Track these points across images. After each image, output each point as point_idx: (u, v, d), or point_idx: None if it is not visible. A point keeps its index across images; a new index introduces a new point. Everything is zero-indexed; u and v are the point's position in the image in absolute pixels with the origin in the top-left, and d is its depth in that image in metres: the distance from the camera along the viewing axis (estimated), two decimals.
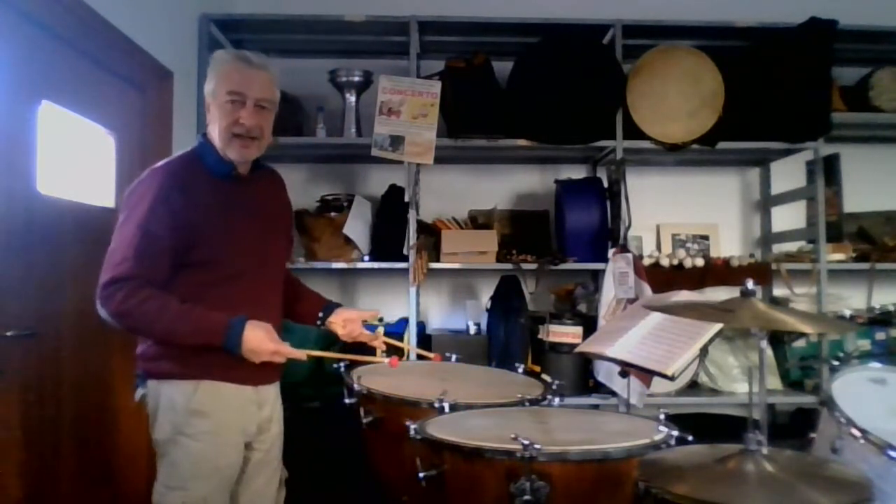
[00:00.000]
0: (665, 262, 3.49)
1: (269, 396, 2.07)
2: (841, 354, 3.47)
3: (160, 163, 1.94)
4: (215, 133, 1.93)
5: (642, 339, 2.34)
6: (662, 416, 1.69)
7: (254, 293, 1.94)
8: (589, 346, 2.45)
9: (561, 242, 3.65)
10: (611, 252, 3.36)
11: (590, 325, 3.33)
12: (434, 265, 3.46)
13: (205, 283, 1.86)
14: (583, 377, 3.39)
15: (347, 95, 3.59)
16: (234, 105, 1.90)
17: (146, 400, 1.89)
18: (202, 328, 1.80)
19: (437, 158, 3.34)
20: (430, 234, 3.59)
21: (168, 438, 1.84)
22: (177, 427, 1.83)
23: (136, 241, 1.79)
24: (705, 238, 3.99)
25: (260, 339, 1.82)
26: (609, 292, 3.28)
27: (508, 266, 3.48)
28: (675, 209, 3.99)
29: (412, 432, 1.67)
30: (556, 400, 2.10)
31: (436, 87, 3.36)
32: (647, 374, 2.67)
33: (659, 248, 3.95)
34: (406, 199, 3.40)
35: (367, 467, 2.21)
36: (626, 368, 2.34)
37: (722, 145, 3.45)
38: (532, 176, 4.02)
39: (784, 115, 3.41)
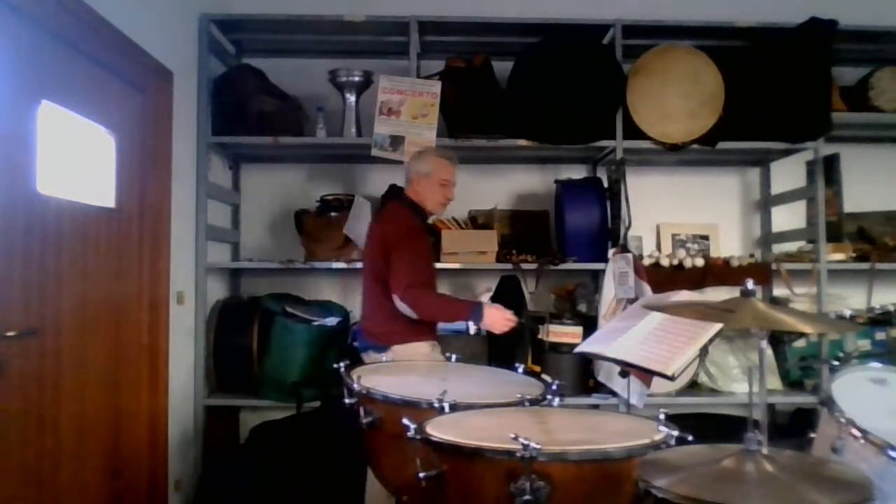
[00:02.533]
0: (665, 262, 3.49)
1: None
2: (841, 354, 3.47)
3: (400, 208, 2.95)
4: (424, 196, 2.89)
5: (642, 339, 2.34)
6: (662, 416, 1.68)
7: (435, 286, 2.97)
8: (589, 346, 2.45)
9: (561, 242, 3.65)
10: (611, 252, 3.36)
11: (590, 325, 3.33)
12: (434, 265, 3.45)
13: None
14: (583, 377, 3.39)
15: (347, 95, 3.59)
16: (444, 187, 2.90)
17: (393, 357, 2.73)
18: (461, 307, 2.78)
19: None
20: (431, 234, 3.58)
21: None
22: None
23: (420, 258, 2.82)
24: (705, 238, 3.99)
25: (493, 318, 2.68)
26: (609, 292, 3.28)
27: (508, 266, 3.48)
28: (675, 209, 3.99)
29: (412, 432, 1.67)
30: (556, 400, 2.10)
31: (436, 87, 3.36)
32: (647, 374, 2.68)
33: (659, 248, 3.95)
34: None
35: (368, 467, 2.21)
36: (626, 368, 2.35)
37: (722, 145, 3.45)
38: (532, 176, 4.02)
39: (784, 115, 3.41)
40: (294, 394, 3.31)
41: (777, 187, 3.94)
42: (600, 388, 3.33)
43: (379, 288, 2.83)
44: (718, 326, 2.21)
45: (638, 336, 2.39)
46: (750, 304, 1.51)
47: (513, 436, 1.48)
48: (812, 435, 1.95)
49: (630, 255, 3.23)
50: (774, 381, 3.55)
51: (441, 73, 3.45)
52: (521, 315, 3.37)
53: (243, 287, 3.89)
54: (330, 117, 3.62)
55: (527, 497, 1.45)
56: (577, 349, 2.51)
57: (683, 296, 2.48)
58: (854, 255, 3.63)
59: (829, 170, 3.61)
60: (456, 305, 2.87)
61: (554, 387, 2.16)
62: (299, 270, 3.70)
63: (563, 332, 3.40)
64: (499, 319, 2.69)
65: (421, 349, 2.82)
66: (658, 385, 2.87)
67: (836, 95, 3.58)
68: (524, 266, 3.47)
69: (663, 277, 3.35)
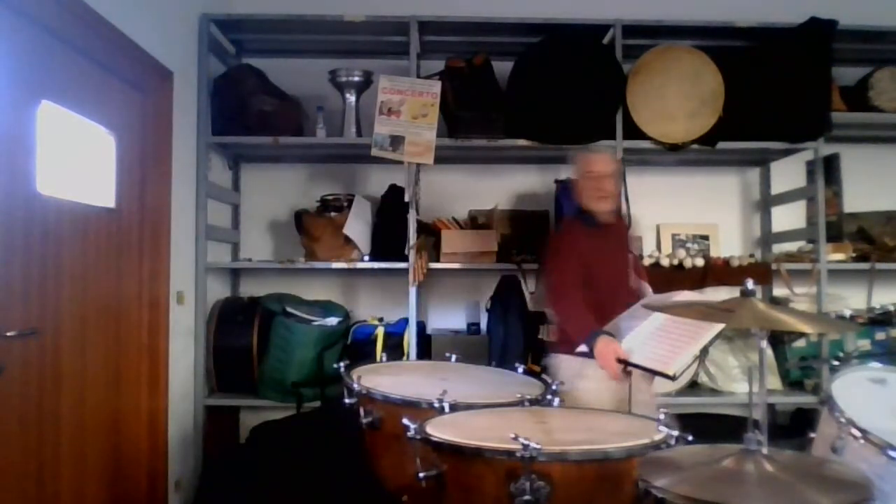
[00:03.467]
0: (665, 262, 3.49)
1: None
2: (841, 354, 3.47)
3: (568, 217, 3.07)
4: (582, 197, 2.82)
5: (644, 339, 2.35)
6: (662, 416, 1.69)
7: (611, 296, 2.73)
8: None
9: None
10: None
11: None
12: (434, 265, 3.46)
13: (589, 288, 2.67)
14: None
15: (347, 95, 3.59)
16: (591, 179, 2.78)
17: (554, 364, 2.74)
18: (583, 327, 2.54)
19: (437, 158, 3.34)
20: (430, 234, 3.58)
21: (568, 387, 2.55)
22: (571, 381, 2.53)
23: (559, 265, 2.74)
24: (705, 238, 3.99)
25: (600, 352, 2.44)
26: None
27: (508, 266, 3.48)
28: (675, 209, 3.99)
29: (411, 432, 1.67)
30: (556, 400, 2.10)
31: (436, 87, 3.36)
32: (649, 374, 2.72)
33: (659, 248, 3.95)
34: (406, 199, 3.40)
35: (367, 467, 2.21)
36: (628, 368, 2.35)
37: (722, 145, 3.45)
38: (532, 176, 4.02)
39: (784, 115, 3.41)
40: (294, 394, 3.31)
41: (777, 187, 3.94)
42: None
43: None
44: (720, 327, 2.21)
45: (640, 336, 2.40)
46: (750, 304, 1.52)
47: (513, 436, 1.48)
48: (812, 435, 1.96)
49: (630, 256, 3.22)
50: (774, 381, 3.55)
51: (441, 73, 3.45)
52: (521, 315, 3.38)
53: (243, 287, 3.89)
54: (330, 117, 3.62)
55: (527, 497, 1.46)
56: (578, 349, 2.51)
57: (685, 296, 2.49)
58: (854, 255, 3.63)
59: (829, 170, 3.61)
60: (581, 323, 2.60)
61: (554, 387, 2.16)
62: (299, 270, 3.70)
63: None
64: (604, 357, 2.42)
65: (567, 363, 2.64)
66: (658, 385, 2.88)
67: (836, 95, 3.58)
68: (524, 266, 3.47)
69: (663, 277, 3.35)
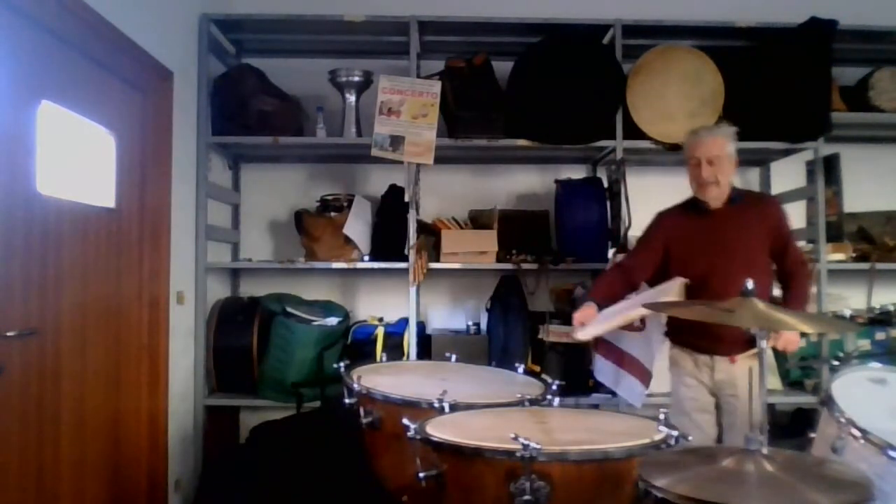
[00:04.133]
0: None
1: (725, 365, 2.60)
2: (841, 354, 3.47)
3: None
4: (691, 183, 2.67)
5: (607, 313, 2.56)
6: (662, 416, 1.69)
7: (707, 286, 2.51)
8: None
9: (561, 242, 3.65)
10: (611, 252, 3.36)
11: None
12: (434, 265, 3.45)
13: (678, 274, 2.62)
14: (583, 377, 3.39)
15: (347, 95, 3.59)
16: (693, 166, 2.64)
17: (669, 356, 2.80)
18: (590, 295, 2.65)
19: (437, 158, 3.34)
20: (430, 234, 3.58)
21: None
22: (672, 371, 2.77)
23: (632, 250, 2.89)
24: None
25: (575, 314, 2.55)
26: None
27: (508, 266, 3.48)
28: None
29: (411, 432, 1.67)
30: (556, 400, 2.10)
31: (436, 87, 3.36)
32: (643, 372, 2.81)
33: None
34: (406, 199, 3.40)
35: (367, 467, 2.21)
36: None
37: None
38: (532, 176, 4.02)
39: (784, 115, 3.41)
40: (294, 394, 3.31)
41: (777, 187, 3.93)
42: (600, 388, 3.32)
43: None
44: (642, 312, 2.51)
45: (608, 310, 2.53)
46: (750, 304, 1.52)
47: (513, 436, 1.48)
48: (812, 435, 1.96)
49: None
50: (774, 381, 3.55)
51: (441, 73, 3.45)
52: (521, 315, 3.39)
53: (243, 287, 3.89)
54: (330, 117, 3.62)
55: (527, 497, 1.46)
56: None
57: (677, 282, 2.52)
58: (854, 255, 3.63)
59: (829, 170, 3.61)
60: (592, 290, 2.76)
61: (554, 387, 2.16)
62: (299, 270, 3.70)
63: (563, 332, 3.39)
64: (575, 317, 2.56)
65: (671, 356, 2.76)
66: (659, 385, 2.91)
67: (836, 95, 3.58)
68: (524, 266, 3.47)
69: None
